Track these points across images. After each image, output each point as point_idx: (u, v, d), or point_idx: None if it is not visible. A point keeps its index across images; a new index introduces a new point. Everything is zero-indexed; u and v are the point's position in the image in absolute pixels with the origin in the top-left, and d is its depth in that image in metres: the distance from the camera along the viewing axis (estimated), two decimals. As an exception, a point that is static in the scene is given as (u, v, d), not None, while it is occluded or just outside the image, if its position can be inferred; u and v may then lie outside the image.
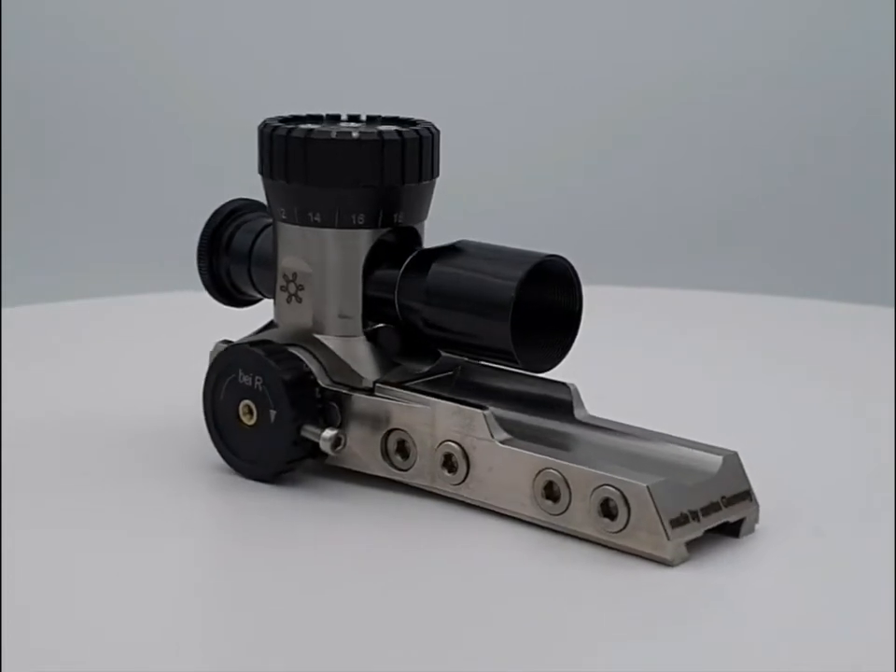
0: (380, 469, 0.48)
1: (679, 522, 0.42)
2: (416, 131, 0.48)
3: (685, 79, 1.25)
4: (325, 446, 0.47)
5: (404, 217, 0.48)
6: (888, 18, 1.22)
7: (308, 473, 0.50)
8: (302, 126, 0.48)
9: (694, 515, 0.42)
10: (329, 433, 0.47)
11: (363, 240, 0.48)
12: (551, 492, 0.44)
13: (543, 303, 0.47)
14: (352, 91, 1.18)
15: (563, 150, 1.24)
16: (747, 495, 0.44)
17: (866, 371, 0.64)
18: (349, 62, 1.23)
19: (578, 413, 0.47)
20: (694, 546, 0.43)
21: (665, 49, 1.25)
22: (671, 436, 0.46)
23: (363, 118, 0.51)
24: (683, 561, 0.42)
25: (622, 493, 0.42)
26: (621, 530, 0.42)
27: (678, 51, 1.25)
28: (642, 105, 1.24)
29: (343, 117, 0.51)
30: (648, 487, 0.42)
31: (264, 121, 0.49)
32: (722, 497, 0.43)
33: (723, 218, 1.26)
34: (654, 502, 0.42)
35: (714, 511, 0.43)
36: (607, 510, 0.43)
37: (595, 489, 0.43)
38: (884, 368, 0.64)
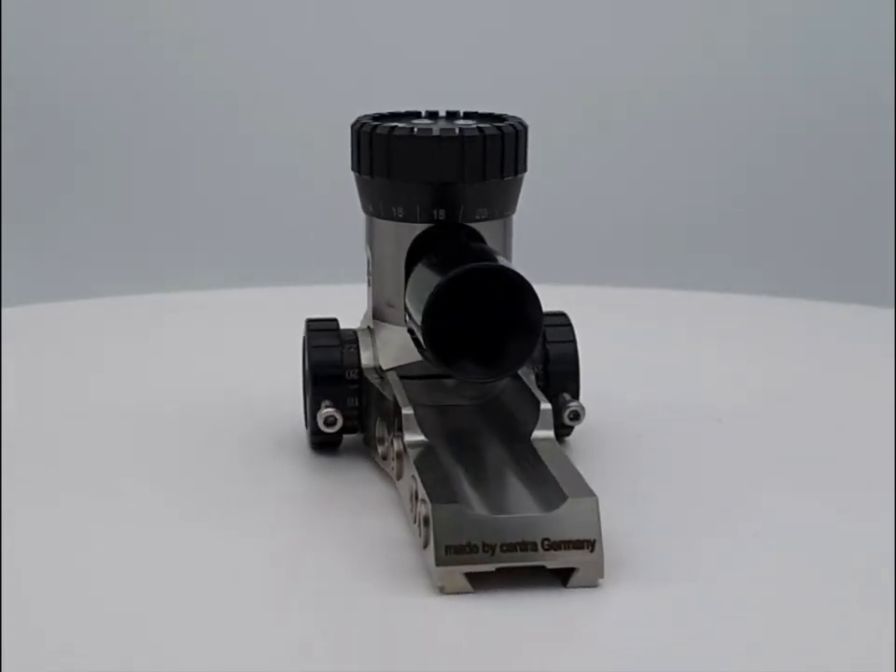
0: (374, 454, 0.49)
1: (460, 550, 0.40)
2: (460, 129, 0.48)
3: (681, 80, 1.25)
4: (319, 422, 0.49)
5: (447, 214, 0.48)
6: (888, 15, 1.22)
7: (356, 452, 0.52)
8: (362, 120, 0.49)
9: (489, 549, 0.40)
10: (322, 411, 0.49)
11: (403, 232, 0.49)
12: (413, 500, 0.44)
13: (502, 315, 0.45)
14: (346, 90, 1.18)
15: (558, 151, 1.24)
16: (586, 544, 0.41)
17: (866, 373, 0.64)
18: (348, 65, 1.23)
19: (536, 434, 0.46)
20: (509, 583, 0.41)
21: (660, 52, 1.25)
22: (570, 469, 0.44)
23: (442, 113, 0.51)
24: (459, 591, 0.40)
25: (428, 510, 0.41)
26: (424, 547, 0.42)
27: (672, 53, 1.25)
28: (638, 104, 1.24)
29: (442, 113, 0.52)
30: (433, 507, 0.40)
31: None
32: (545, 540, 0.40)
33: (721, 218, 1.26)
34: (434, 524, 0.40)
35: (524, 551, 0.40)
36: (422, 524, 0.42)
37: (419, 502, 0.42)
38: (884, 369, 0.63)
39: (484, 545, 0.40)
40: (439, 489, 0.42)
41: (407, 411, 0.45)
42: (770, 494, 0.49)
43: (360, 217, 0.51)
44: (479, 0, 1.25)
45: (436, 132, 0.47)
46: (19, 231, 1.25)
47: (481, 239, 0.49)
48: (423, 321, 0.43)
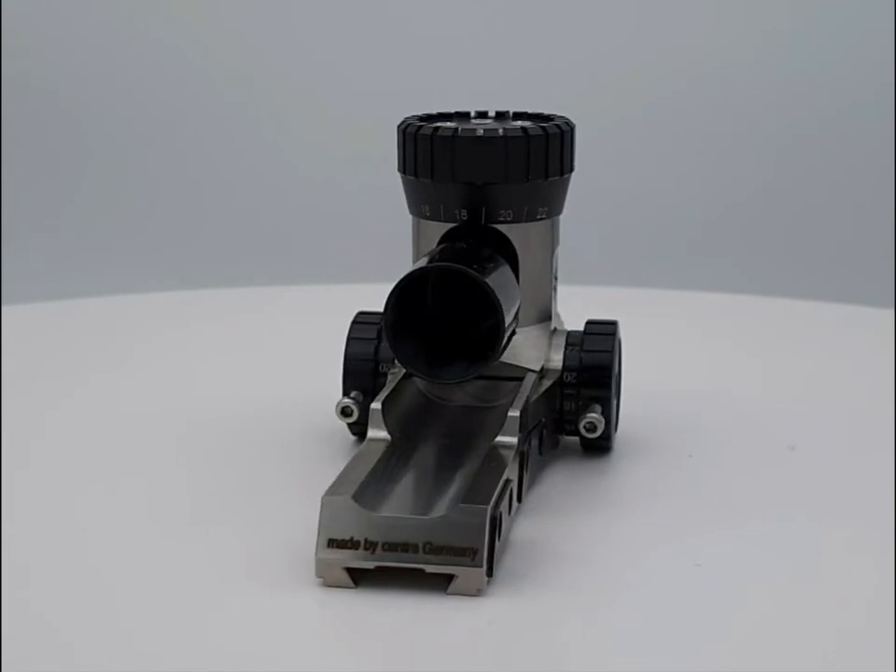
0: None
1: (342, 544, 0.40)
2: (483, 129, 0.47)
3: (683, 82, 1.25)
4: (336, 412, 0.50)
5: (469, 214, 0.48)
6: (888, 15, 1.22)
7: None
8: (407, 121, 0.49)
9: (371, 546, 0.40)
10: (340, 401, 0.50)
11: (430, 231, 0.49)
12: None
13: (464, 318, 0.45)
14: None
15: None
16: (468, 552, 0.40)
17: (866, 374, 0.64)
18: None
19: (497, 439, 0.45)
20: (397, 582, 0.40)
21: (660, 53, 1.25)
22: (494, 477, 0.43)
23: (494, 114, 0.51)
24: (338, 585, 0.41)
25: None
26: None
27: (671, 54, 1.25)
28: (638, 104, 1.24)
29: (485, 113, 0.51)
30: (323, 499, 0.41)
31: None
32: (426, 543, 0.40)
33: (721, 219, 1.26)
34: (321, 516, 0.41)
35: (404, 552, 0.40)
36: None
37: None
38: (884, 369, 0.63)
39: (367, 542, 0.40)
40: (343, 483, 0.42)
41: (375, 405, 0.46)
42: (765, 508, 0.48)
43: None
44: (481, 2, 1.25)
45: (459, 132, 0.47)
46: (20, 231, 1.25)
47: (504, 241, 0.48)
48: (382, 316, 0.43)
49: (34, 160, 1.26)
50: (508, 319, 0.44)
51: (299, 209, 1.25)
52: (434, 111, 0.51)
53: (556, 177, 0.48)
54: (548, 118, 0.50)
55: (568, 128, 0.49)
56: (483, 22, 1.24)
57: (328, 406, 0.51)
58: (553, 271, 0.51)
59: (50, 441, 0.54)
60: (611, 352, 0.50)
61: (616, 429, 0.53)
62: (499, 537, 0.41)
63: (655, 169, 1.25)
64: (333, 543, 0.40)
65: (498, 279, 0.45)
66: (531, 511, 0.47)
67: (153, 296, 0.80)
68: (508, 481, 0.43)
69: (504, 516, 0.42)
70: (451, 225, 0.48)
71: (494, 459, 0.44)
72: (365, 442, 0.46)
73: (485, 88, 1.14)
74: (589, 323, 0.52)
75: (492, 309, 0.43)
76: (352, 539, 0.40)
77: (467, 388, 0.49)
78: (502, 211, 0.48)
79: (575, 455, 0.52)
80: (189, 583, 0.42)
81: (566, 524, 0.46)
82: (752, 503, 0.48)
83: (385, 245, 0.84)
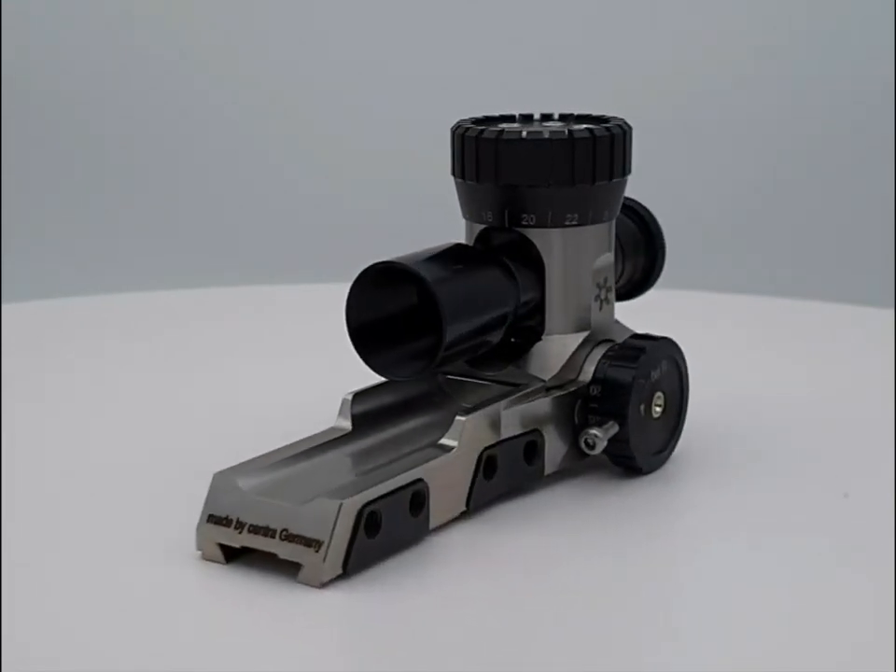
0: None
1: (218, 521, 0.42)
2: (504, 131, 0.47)
3: (686, 83, 1.25)
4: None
5: (493, 216, 0.48)
6: (888, 18, 1.22)
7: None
8: (460, 122, 0.49)
9: (240, 526, 0.42)
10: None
11: (468, 232, 0.49)
12: None
13: (418, 317, 0.45)
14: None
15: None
16: (314, 543, 0.41)
17: (865, 374, 0.64)
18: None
19: (441, 441, 0.45)
20: (273, 565, 0.42)
21: (657, 54, 1.25)
22: (387, 474, 0.43)
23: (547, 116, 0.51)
24: (213, 559, 0.42)
25: None
26: None
27: (670, 55, 1.25)
28: (640, 104, 1.24)
29: (555, 116, 0.51)
30: (213, 475, 0.43)
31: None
32: (283, 530, 0.41)
33: (721, 219, 1.26)
34: (208, 491, 0.42)
35: (263, 536, 0.41)
36: None
37: None
38: (883, 370, 0.63)
39: (238, 521, 0.42)
40: (248, 463, 0.43)
41: (346, 396, 0.46)
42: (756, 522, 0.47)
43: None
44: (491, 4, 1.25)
45: (484, 133, 0.47)
46: (20, 230, 1.25)
47: (528, 246, 0.48)
48: (348, 313, 0.45)
49: (34, 159, 1.26)
50: (466, 324, 0.44)
51: (299, 209, 1.26)
52: (453, 115, 0.51)
53: (585, 184, 0.47)
54: (602, 120, 0.49)
55: (607, 133, 0.47)
56: (481, 23, 1.24)
57: (327, 405, 0.51)
58: (599, 280, 0.49)
59: (50, 439, 0.54)
60: (635, 368, 0.48)
61: (670, 451, 0.51)
62: (373, 534, 0.42)
63: (654, 169, 1.25)
64: (212, 519, 0.42)
65: (466, 282, 0.45)
66: (488, 519, 0.46)
67: (153, 295, 0.80)
68: (417, 481, 0.43)
69: (392, 515, 0.42)
70: (479, 226, 0.49)
71: (413, 459, 0.44)
72: (323, 430, 0.46)
73: (485, 89, 1.14)
74: (632, 337, 0.50)
75: (434, 309, 0.43)
76: (227, 517, 0.42)
77: (479, 391, 0.49)
78: (524, 215, 0.47)
79: (606, 474, 0.50)
80: (100, 552, 0.43)
81: (506, 534, 0.45)
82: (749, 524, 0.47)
83: (385, 245, 0.84)
